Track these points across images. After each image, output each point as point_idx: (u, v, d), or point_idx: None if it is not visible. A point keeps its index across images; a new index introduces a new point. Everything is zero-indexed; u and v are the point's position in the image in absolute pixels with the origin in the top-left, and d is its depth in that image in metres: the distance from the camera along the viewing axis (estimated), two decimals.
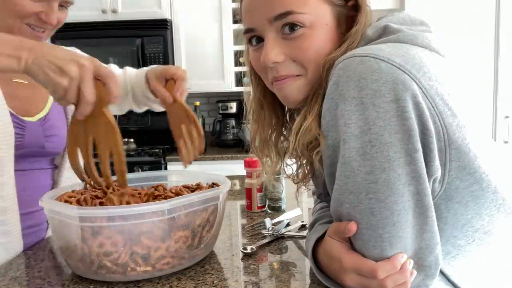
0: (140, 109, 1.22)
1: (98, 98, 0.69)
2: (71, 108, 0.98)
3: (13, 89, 0.92)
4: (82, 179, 0.81)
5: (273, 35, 0.66)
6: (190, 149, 0.89)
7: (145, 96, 1.09)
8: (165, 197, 0.78)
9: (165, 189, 0.84)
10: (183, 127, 0.89)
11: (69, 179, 1.03)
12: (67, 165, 1.02)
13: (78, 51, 1.10)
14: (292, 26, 0.64)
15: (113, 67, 1.17)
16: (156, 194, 0.79)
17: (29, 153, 0.93)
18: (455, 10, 2.64)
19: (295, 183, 0.80)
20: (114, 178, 0.78)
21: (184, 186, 0.87)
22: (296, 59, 0.66)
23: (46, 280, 0.74)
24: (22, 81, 0.96)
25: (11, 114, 0.89)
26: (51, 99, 1.01)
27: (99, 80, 0.70)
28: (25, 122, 0.92)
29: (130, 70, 1.16)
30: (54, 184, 1.02)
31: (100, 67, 0.70)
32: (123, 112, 1.23)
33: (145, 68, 1.09)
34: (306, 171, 0.75)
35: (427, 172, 0.56)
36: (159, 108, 1.15)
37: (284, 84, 0.68)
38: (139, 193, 0.78)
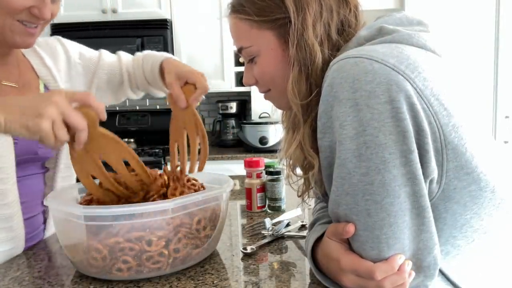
0: (136, 95, 1.17)
1: (87, 120, 0.67)
2: None
3: (3, 93, 0.90)
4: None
5: (246, 62, 0.78)
6: (184, 157, 0.89)
7: (148, 81, 1.06)
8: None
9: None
10: (184, 133, 0.89)
11: (64, 179, 1.01)
12: (60, 167, 1.00)
13: (63, 40, 1.07)
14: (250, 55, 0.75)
15: (104, 53, 1.13)
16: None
17: (22, 160, 0.90)
18: (455, 10, 2.64)
19: (298, 196, 0.82)
20: None
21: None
22: (259, 81, 0.77)
23: (46, 280, 0.74)
24: (11, 84, 0.92)
25: None
26: None
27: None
28: None
29: (125, 57, 1.13)
30: (47, 187, 1.00)
31: (73, 94, 0.67)
32: (119, 101, 1.19)
33: (156, 54, 1.07)
34: (305, 186, 0.79)
35: (423, 173, 0.55)
36: (159, 93, 1.13)
37: (265, 97, 0.80)
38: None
